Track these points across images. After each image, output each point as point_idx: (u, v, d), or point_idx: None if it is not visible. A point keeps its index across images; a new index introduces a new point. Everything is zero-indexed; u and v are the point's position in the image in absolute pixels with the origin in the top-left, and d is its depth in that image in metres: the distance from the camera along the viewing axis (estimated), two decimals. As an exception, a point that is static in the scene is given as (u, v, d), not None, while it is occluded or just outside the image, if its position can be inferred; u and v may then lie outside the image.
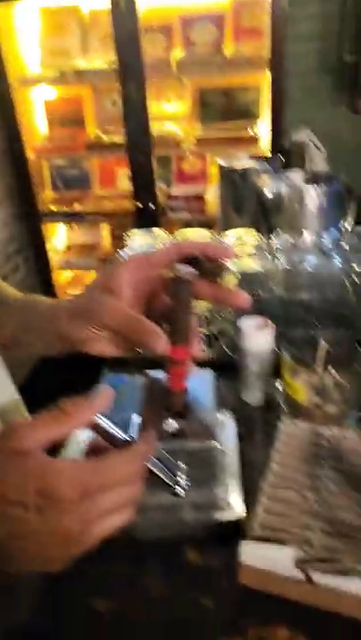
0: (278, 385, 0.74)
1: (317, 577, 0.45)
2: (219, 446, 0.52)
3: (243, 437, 0.68)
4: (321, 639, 0.44)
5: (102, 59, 2.18)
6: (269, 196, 0.95)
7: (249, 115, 2.28)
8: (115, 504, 0.37)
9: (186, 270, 0.45)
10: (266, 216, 0.95)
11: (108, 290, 0.44)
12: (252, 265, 0.75)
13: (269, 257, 0.77)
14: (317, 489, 0.53)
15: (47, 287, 2.53)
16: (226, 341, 0.84)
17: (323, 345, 0.66)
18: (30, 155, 2.27)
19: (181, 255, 0.44)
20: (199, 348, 0.47)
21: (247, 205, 1.02)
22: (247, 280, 0.79)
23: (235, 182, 1.03)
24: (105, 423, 0.48)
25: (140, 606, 0.48)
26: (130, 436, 0.49)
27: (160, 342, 0.43)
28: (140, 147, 2.17)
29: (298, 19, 2.29)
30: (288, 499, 0.52)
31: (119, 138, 2.22)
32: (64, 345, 0.47)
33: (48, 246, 2.49)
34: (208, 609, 0.47)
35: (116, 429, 0.48)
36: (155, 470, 0.51)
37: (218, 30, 2.16)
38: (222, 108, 2.32)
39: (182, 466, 0.53)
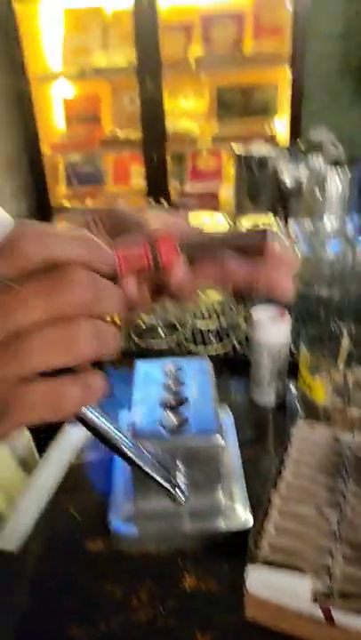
0: (293, 386, 0.66)
1: (339, 616, 0.37)
2: (222, 442, 0.45)
3: (252, 441, 0.60)
4: None
5: (122, 56, 2.16)
6: (288, 182, 0.87)
7: (266, 112, 2.23)
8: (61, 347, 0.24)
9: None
10: (284, 203, 0.88)
11: None
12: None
13: (287, 243, 0.69)
14: (339, 505, 0.45)
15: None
16: (237, 336, 0.77)
17: (346, 339, 0.58)
18: (46, 150, 2.25)
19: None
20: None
21: (264, 193, 0.95)
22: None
23: (251, 169, 0.96)
24: (94, 415, 0.40)
25: (126, 635, 0.40)
26: (124, 436, 0.42)
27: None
28: (155, 143, 2.13)
29: (319, 18, 2.23)
30: (304, 516, 0.43)
31: (135, 134, 2.18)
32: None
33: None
34: (205, 643, 0.39)
35: (108, 423, 0.41)
36: (150, 472, 0.43)
37: (237, 28, 2.13)
38: (240, 106, 2.27)
39: (181, 467, 0.45)
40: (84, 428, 0.60)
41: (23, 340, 0.23)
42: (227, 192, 2.24)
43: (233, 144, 0.96)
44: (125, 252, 0.28)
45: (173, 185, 2.25)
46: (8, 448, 0.59)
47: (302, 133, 2.06)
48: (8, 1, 2.00)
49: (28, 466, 0.64)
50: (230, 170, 2.36)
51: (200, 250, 0.31)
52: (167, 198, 2.19)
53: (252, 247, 0.32)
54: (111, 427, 0.41)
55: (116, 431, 0.41)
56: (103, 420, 0.40)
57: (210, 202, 2.24)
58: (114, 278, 0.28)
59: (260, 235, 0.32)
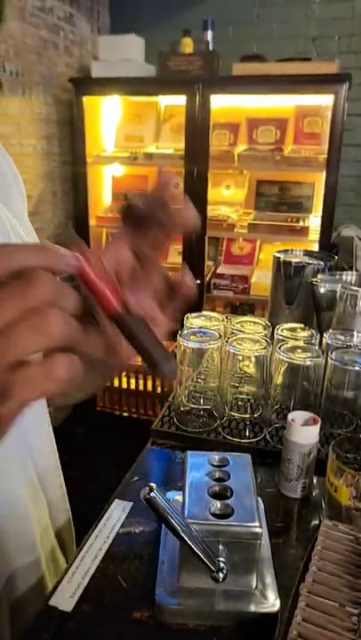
0: (319, 483, 0.73)
1: None
2: (261, 532, 0.52)
3: (279, 530, 0.67)
4: None
5: (171, 146, 2.39)
6: (322, 293, 0.99)
7: (301, 207, 2.41)
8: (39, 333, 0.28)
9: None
10: (318, 312, 0.99)
11: None
12: (302, 357, 0.78)
13: (320, 352, 0.79)
14: (360, 604, 0.51)
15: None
16: (269, 430, 0.85)
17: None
18: (92, 222, 2.45)
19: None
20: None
21: (299, 298, 1.06)
22: (295, 372, 0.81)
23: (288, 275, 1.08)
24: (158, 497, 0.48)
25: None
26: (178, 516, 0.50)
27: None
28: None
29: (356, 128, 2.47)
30: (328, 610, 0.50)
31: (176, 216, 2.37)
32: None
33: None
34: None
35: (167, 504, 0.49)
36: (197, 551, 0.51)
37: (280, 132, 2.35)
38: (276, 199, 2.46)
39: (222, 550, 0.52)
40: (132, 502, 0.68)
41: (5, 334, 0.28)
42: (257, 277, 2.39)
43: (275, 253, 1.09)
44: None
45: (207, 265, 2.41)
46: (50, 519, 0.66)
47: (334, 229, 2.22)
48: (79, 96, 2.28)
49: (63, 538, 0.70)
50: (262, 255, 2.53)
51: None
52: (202, 277, 2.34)
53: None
54: (169, 508, 0.49)
55: (172, 511, 0.50)
56: (164, 501, 0.49)
57: (241, 285, 2.39)
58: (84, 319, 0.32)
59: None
